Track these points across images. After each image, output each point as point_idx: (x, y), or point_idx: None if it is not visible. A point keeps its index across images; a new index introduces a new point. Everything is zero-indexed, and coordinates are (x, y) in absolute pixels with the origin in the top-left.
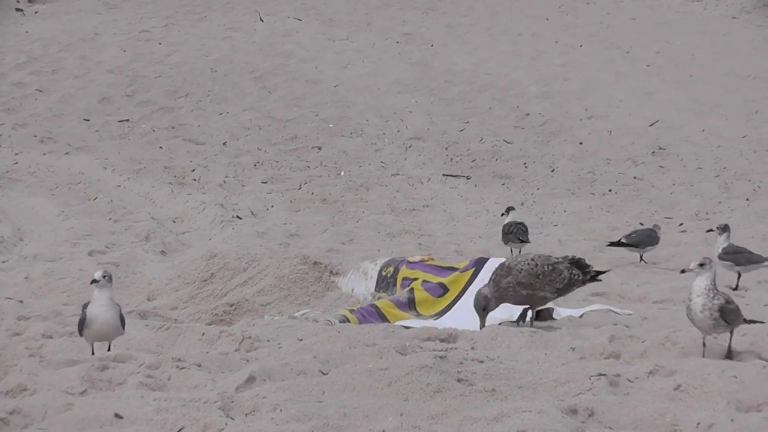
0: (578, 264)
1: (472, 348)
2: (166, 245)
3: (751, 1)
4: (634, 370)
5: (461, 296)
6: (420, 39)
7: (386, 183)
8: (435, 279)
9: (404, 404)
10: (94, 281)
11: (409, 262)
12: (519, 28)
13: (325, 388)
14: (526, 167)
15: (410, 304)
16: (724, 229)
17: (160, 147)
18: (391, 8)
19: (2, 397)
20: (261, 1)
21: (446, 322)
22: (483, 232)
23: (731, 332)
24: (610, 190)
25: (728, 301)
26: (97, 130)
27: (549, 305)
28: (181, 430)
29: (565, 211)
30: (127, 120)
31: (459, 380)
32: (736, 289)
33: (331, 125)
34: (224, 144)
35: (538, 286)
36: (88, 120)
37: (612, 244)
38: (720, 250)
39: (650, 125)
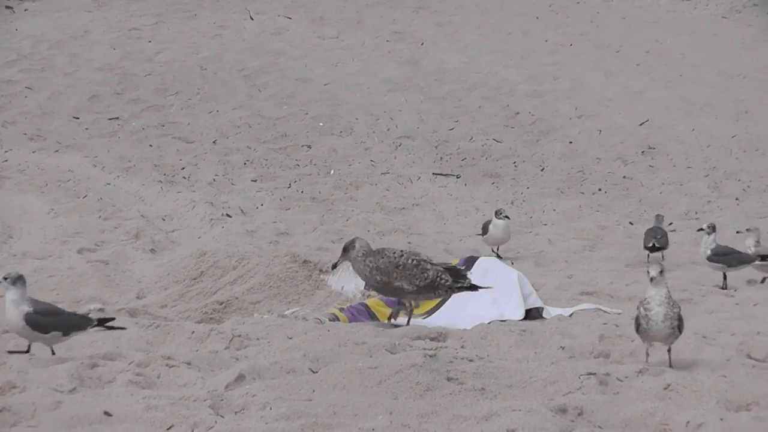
0: (453, 271)
1: (462, 347)
2: (155, 243)
3: (741, 1)
4: (624, 369)
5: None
6: (410, 37)
7: (376, 182)
8: None
9: (394, 403)
10: None
11: None
12: (509, 26)
13: (315, 386)
14: (515, 166)
15: (400, 303)
16: (713, 229)
17: (150, 145)
18: (381, 7)
19: None
20: None
21: (436, 320)
22: (472, 231)
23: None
24: (599, 190)
25: (680, 309)
26: (86, 128)
27: (538, 304)
28: (170, 428)
29: (554, 210)
30: (117, 118)
31: (449, 379)
32: (724, 288)
33: (320, 124)
34: (214, 142)
35: (395, 276)
36: (78, 118)
37: (649, 248)
38: (709, 252)
39: (640, 124)
